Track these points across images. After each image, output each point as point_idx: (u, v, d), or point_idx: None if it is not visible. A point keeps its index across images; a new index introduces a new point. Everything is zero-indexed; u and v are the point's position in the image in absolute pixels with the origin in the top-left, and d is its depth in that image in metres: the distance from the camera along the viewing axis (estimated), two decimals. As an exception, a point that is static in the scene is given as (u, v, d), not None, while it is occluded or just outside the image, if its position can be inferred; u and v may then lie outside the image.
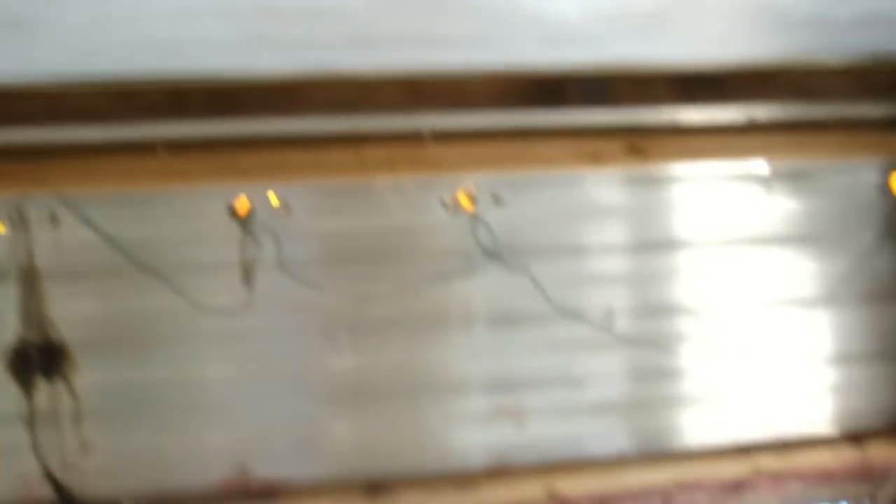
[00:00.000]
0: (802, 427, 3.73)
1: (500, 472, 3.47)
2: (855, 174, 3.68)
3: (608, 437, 3.57)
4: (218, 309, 3.14)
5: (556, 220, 3.42)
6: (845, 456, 3.71)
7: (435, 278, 3.31)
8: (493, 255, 3.31)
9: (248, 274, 3.16)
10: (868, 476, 3.74)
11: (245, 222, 3.15)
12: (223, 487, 3.33)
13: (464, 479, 3.43)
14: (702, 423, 3.62)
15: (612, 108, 2.96)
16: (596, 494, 3.49)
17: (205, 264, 3.16)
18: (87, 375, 3.18)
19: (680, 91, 2.97)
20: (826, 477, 3.70)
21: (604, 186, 3.41)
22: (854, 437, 3.75)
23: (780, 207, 3.59)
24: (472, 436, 3.47)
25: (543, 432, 3.51)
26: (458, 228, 3.30)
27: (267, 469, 3.35)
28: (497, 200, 3.30)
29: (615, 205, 3.46)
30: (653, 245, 3.53)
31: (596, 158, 3.19)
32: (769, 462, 3.63)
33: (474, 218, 3.27)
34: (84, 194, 3.04)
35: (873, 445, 3.74)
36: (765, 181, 3.54)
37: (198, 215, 3.15)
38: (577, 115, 3.09)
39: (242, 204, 3.13)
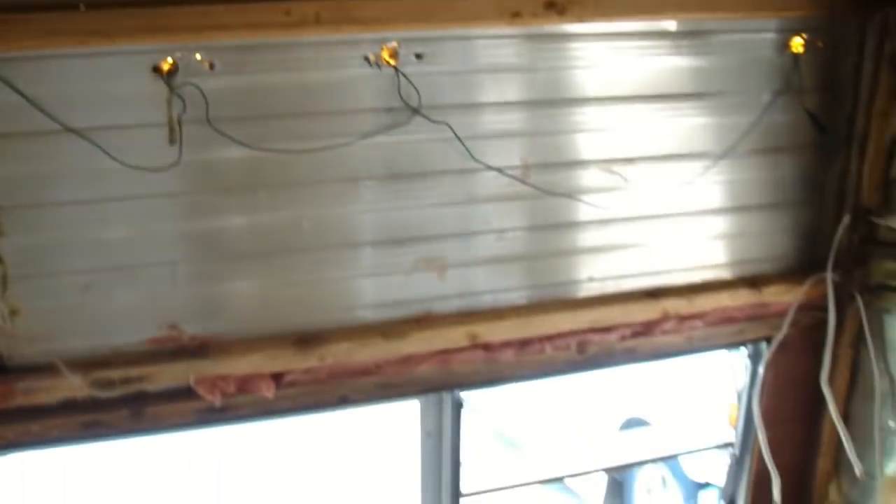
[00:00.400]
0: (705, 273, 4.94)
1: (424, 320, 4.38)
2: (757, 34, 4.65)
3: (526, 285, 4.57)
4: (143, 168, 3.76)
5: (475, 77, 4.21)
6: (744, 299, 4.91)
7: (359, 133, 4.05)
8: (415, 110, 4.06)
9: (173, 132, 3.77)
10: (764, 316, 4.98)
11: (169, 80, 3.74)
12: (156, 345, 4.07)
13: (391, 328, 4.34)
14: (614, 271, 4.68)
15: None
16: (515, 339, 4.48)
17: (129, 124, 3.75)
18: (12, 240, 3.76)
19: None
20: (727, 318, 4.90)
21: (522, 43, 4.24)
22: (752, 281, 4.95)
23: (684, 64, 4.57)
24: (396, 286, 4.34)
25: (465, 282, 4.44)
26: (382, 84, 4.06)
27: (197, 326, 4.10)
28: (419, 57, 4.20)
29: (532, 61, 4.31)
30: (566, 101, 4.39)
31: (516, 16, 4.00)
32: (676, 305, 4.79)
33: (397, 74, 4.03)
34: (4, 54, 3.50)
35: (769, 289, 4.94)
36: (672, 38, 4.61)
37: (122, 74, 3.70)
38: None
39: (166, 62, 3.72)
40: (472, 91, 4.25)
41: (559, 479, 5.64)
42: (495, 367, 4.55)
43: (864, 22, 4.73)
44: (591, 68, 4.43)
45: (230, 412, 4.22)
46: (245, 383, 4.16)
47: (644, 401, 8.06)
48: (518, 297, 4.58)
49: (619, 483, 8.99)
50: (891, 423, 4.96)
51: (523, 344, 4.51)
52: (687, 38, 4.56)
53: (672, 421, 6.35)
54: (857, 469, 4.90)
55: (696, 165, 4.69)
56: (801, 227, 5.07)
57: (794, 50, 4.68)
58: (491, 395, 4.78)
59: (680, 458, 7.94)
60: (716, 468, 7.16)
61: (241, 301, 4.19)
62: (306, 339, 4.23)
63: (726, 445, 5.48)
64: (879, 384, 4.95)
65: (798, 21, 4.68)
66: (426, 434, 4.73)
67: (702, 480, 7.86)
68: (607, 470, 6.37)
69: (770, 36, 4.71)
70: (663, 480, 8.45)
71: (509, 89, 4.32)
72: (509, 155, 4.35)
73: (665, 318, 4.76)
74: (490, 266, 4.50)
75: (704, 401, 6.99)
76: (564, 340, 4.59)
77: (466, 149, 4.20)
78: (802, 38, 4.67)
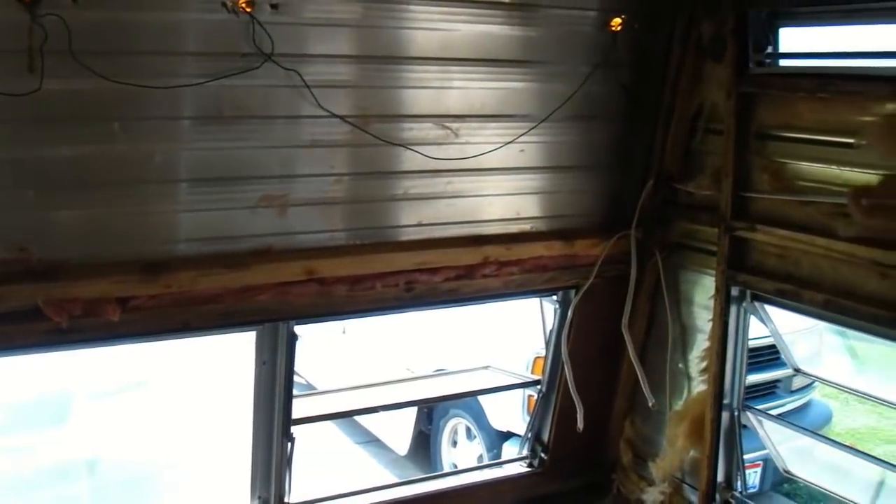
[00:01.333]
0: (523, 225, 5.35)
1: (265, 253, 4.58)
2: (581, 11, 5.04)
3: (360, 226, 4.84)
4: (3, 93, 3.79)
5: (325, 30, 4.44)
6: (557, 249, 5.35)
7: (212, 74, 4.19)
8: (268, 56, 4.22)
9: (33, 61, 3.81)
10: (574, 266, 5.44)
11: (32, 9, 3.76)
12: (4, 266, 4.07)
13: (233, 260, 4.51)
14: (441, 218, 5.01)
15: None
16: (348, 275, 4.76)
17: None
18: None
19: None
20: (541, 266, 5.33)
21: (370, 2, 4.48)
22: (564, 234, 5.38)
23: (514, 33, 4.90)
24: (240, 221, 4.52)
25: (304, 220, 4.68)
26: (237, 29, 4.20)
27: (46, 250, 4.15)
28: (275, 7, 4.31)
29: (378, 19, 4.54)
30: (407, 58, 4.69)
31: None
32: (496, 252, 5.17)
33: (252, 21, 4.18)
34: None
35: (579, 242, 5.39)
36: (504, 9, 4.95)
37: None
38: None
39: (29, -10, 3.80)
40: (322, 43, 4.47)
41: (374, 410, 5.89)
42: (329, 301, 4.83)
43: (675, 9, 5.22)
44: (430, 30, 4.73)
45: (77, 334, 4.32)
46: (92, 306, 4.25)
47: (457, 349, 8.37)
48: (353, 237, 4.85)
49: (426, 435, 9.40)
50: (680, 366, 5.49)
51: (356, 280, 4.80)
52: (517, 9, 4.90)
53: (483, 362, 6.75)
54: (650, 401, 5.42)
55: (519, 126, 5.05)
56: (611, 189, 5.52)
57: (614, 28, 5.07)
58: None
59: (485, 409, 8.35)
60: (517, 418, 7.65)
61: (90, 227, 4.26)
62: (153, 267, 4.35)
63: (535, 383, 5.91)
64: (672, 331, 5.48)
65: (618, 2, 5.10)
66: (261, 362, 4.97)
67: (505, 430, 8.29)
68: (414, 404, 6.69)
69: (593, 14, 5.11)
70: (468, 431, 8.88)
71: (355, 43, 4.58)
72: (351, 104, 4.60)
73: (486, 262, 5.14)
74: (328, 207, 4.75)
75: (516, 345, 7.40)
76: (394, 279, 4.91)
77: (313, 96, 4.42)
78: (621, 18, 5.06)
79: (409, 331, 8.90)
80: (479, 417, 8.59)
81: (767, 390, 8.65)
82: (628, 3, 5.06)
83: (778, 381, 8.58)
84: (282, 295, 4.66)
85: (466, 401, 8.52)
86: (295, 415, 5.09)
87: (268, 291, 4.62)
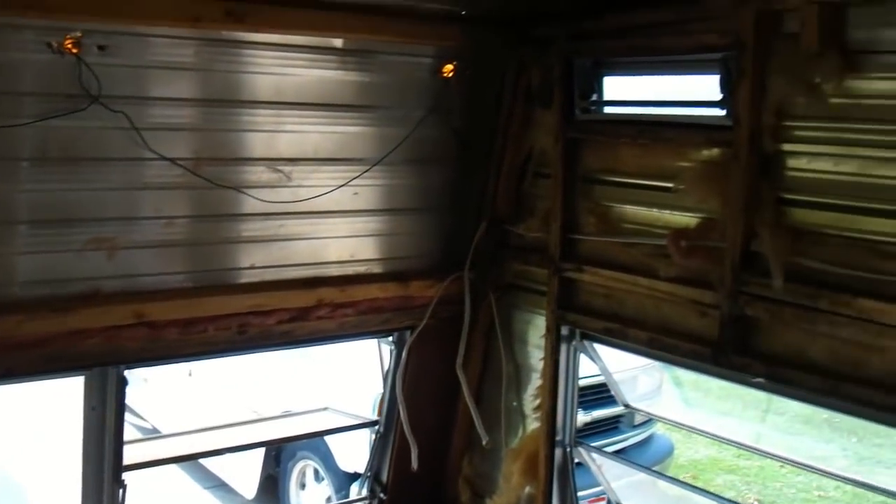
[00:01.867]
0: (358, 267, 5.36)
1: (93, 297, 4.46)
2: (415, 57, 5.12)
3: (192, 269, 4.76)
4: None
5: (156, 72, 4.38)
6: (392, 291, 5.38)
7: (37, 115, 4.08)
8: (95, 98, 4.13)
9: None
10: (409, 307, 5.46)
11: None
12: None
13: (60, 303, 4.38)
14: (275, 260, 4.97)
15: None
16: (180, 319, 4.70)
17: None
18: None
19: None
20: (376, 308, 5.35)
21: (202, 46, 4.46)
22: (399, 275, 5.42)
23: (349, 78, 4.93)
24: (67, 264, 4.39)
25: (134, 263, 4.57)
26: (63, 71, 4.09)
27: None
28: (102, 48, 4.27)
29: (210, 63, 4.52)
30: (240, 102, 4.66)
31: (197, 20, 4.21)
32: (330, 294, 5.18)
33: (79, 62, 4.08)
34: None
35: (414, 283, 5.43)
36: (339, 54, 4.99)
37: None
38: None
39: None
40: (152, 85, 4.41)
41: (216, 453, 5.78)
42: (160, 345, 4.72)
43: (506, 57, 5.31)
44: (264, 74, 4.71)
45: None
46: None
47: (299, 392, 8.31)
48: (184, 280, 4.77)
49: (274, 478, 9.27)
50: (514, 404, 5.56)
51: (187, 323, 4.72)
52: (353, 55, 4.94)
53: (325, 404, 6.71)
54: (484, 439, 5.47)
55: (353, 169, 5.07)
56: (445, 231, 5.58)
57: (446, 74, 5.13)
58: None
59: (333, 451, 8.29)
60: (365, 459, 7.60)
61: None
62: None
63: (373, 424, 5.89)
64: (506, 370, 5.55)
65: (451, 50, 5.17)
66: (90, 408, 4.80)
67: (353, 471, 8.18)
68: (262, 445, 6.59)
69: (427, 60, 5.18)
70: (316, 473, 8.79)
71: (187, 86, 4.53)
72: (183, 147, 4.54)
73: (320, 305, 5.12)
74: (159, 250, 4.66)
75: (356, 386, 7.37)
76: (227, 322, 4.83)
77: (142, 138, 4.34)
78: (453, 64, 5.13)
79: (257, 372, 8.76)
80: (327, 459, 8.52)
81: (611, 425, 8.82)
82: (461, 50, 5.14)
83: (621, 416, 8.76)
84: (111, 339, 4.54)
85: (313, 442, 8.45)
86: (129, 460, 4.91)
87: (96, 335, 4.50)
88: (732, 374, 4.23)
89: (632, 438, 9.03)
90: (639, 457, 8.88)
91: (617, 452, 8.52)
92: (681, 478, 10.58)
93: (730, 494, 9.64)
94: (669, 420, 5.52)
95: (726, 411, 10.41)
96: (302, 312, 5.03)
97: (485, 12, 4.97)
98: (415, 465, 5.47)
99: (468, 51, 5.20)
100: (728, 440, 4.89)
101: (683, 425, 5.24)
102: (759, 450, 4.75)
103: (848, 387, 3.76)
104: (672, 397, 8.35)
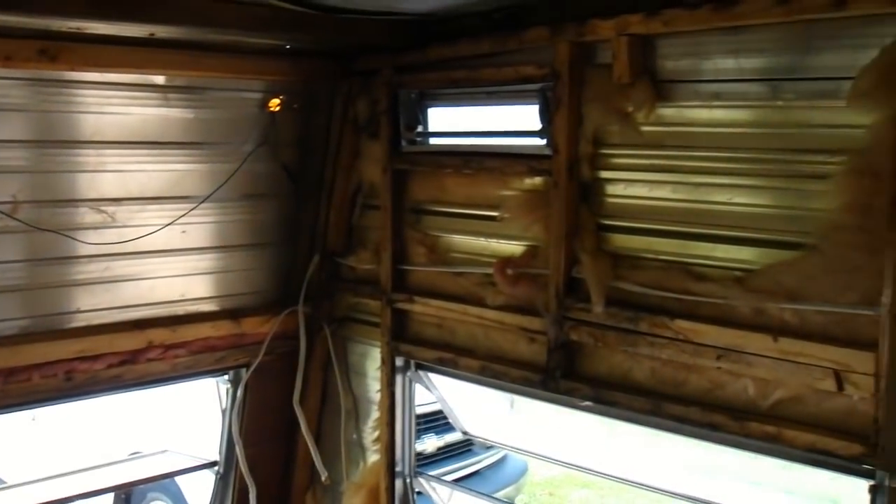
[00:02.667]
0: (190, 306, 5.24)
1: None
2: (242, 92, 5.07)
3: (15, 316, 4.56)
4: None
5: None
6: (225, 329, 5.28)
7: None
8: None
9: None
10: (244, 345, 5.36)
11: None
12: None
13: None
14: (102, 303, 4.84)
15: (27, 14, 3.76)
16: (2, 368, 4.49)
17: None
18: None
19: (91, 4, 3.83)
20: (209, 347, 5.22)
21: (18, 86, 4.32)
22: (233, 313, 5.33)
23: (173, 115, 4.86)
24: None
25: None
26: None
27: None
28: None
29: (26, 103, 4.37)
30: (60, 142, 4.52)
31: (8, 59, 4.09)
32: (161, 335, 5.05)
33: None
34: None
35: (248, 320, 5.35)
36: (161, 91, 4.89)
37: None
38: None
39: None
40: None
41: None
42: (-20, 396, 4.48)
43: (333, 89, 5.28)
44: (84, 113, 4.59)
45: None
46: None
47: (144, 433, 8.08)
48: (7, 328, 4.56)
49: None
50: (354, 437, 5.50)
51: (9, 373, 4.50)
52: (176, 91, 4.85)
53: (166, 447, 6.51)
54: (323, 475, 5.39)
55: (182, 207, 4.95)
56: (279, 266, 5.51)
57: (273, 108, 5.06)
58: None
59: (184, 491, 8.08)
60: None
61: None
62: None
63: (213, 464, 5.74)
64: (345, 402, 5.49)
65: (278, 84, 5.14)
66: None
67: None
68: (100, 493, 6.34)
69: (253, 95, 5.14)
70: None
71: (3, 127, 4.36)
72: (3, 190, 4.36)
73: (150, 347, 4.97)
74: (-20, 298, 4.40)
75: (198, 426, 7.19)
76: (52, 369, 4.64)
77: (-45, 184, 4.11)
78: (280, 98, 5.08)
79: (103, 414, 8.48)
80: (178, 499, 8.29)
81: (465, 448, 8.86)
82: (288, 84, 5.09)
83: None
84: (-73, 393, 4.27)
85: (164, 483, 8.20)
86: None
87: None
88: (561, 399, 4.26)
89: (486, 460, 9.10)
90: (493, 477, 8.97)
91: (472, 475, 8.56)
92: (538, 495, 10.73)
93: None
94: (507, 447, 5.51)
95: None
96: (132, 356, 4.88)
97: (310, 46, 4.93)
98: (253, 505, 5.35)
99: (295, 84, 5.19)
100: (567, 464, 4.90)
101: (521, 451, 5.25)
102: (594, 471, 4.75)
103: (669, 406, 3.84)
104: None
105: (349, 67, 5.12)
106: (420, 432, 8.20)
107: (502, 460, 9.31)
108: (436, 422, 8.11)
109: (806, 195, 3.50)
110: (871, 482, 3.28)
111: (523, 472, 9.51)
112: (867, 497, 3.30)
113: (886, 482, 3.03)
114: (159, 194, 4.90)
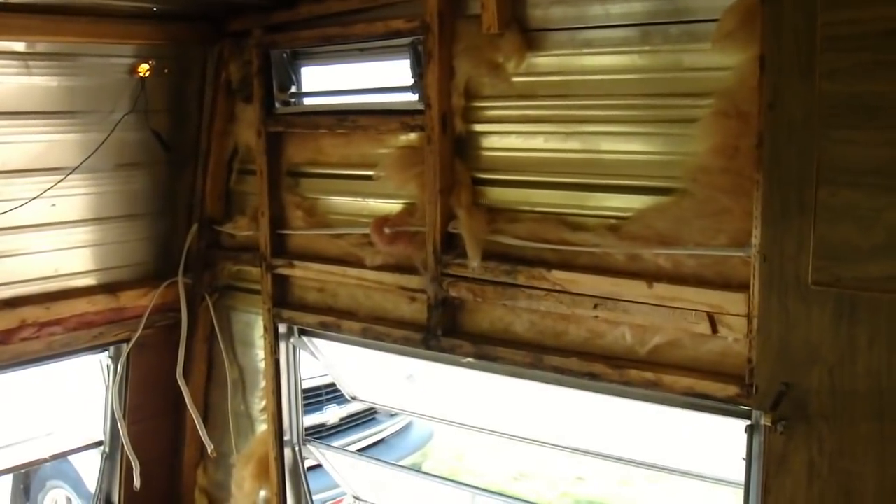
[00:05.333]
0: (64, 282, 5.03)
1: None
2: (109, 58, 4.84)
3: None
4: None
5: None
6: (102, 304, 5.08)
7: None
8: None
9: None
10: (122, 319, 5.17)
11: None
12: None
13: None
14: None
15: None
16: None
17: None
18: None
19: None
20: (86, 323, 5.03)
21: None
22: (110, 287, 5.13)
23: (36, 83, 4.64)
24: None
25: None
26: None
27: None
28: None
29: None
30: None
31: None
32: (34, 313, 4.83)
33: None
34: None
35: (126, 294, 5.15)
36: (21, 58, 4.66)
37: None
38: None
39: None
40: None
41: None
42: None
43: (205, 52, 5.12)
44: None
45: None
46: None
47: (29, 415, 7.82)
48: None
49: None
50: (242, 408, 5.38)
51: None
52: (38, 58, 4.62)
53: (53, 429, 6.31)
54: (209, 448, 5.27)
55: (51, 179, 4.74)
56: (157, 236, 5.33)
57: (142, 74, 4.87)
58: None
59: (83, 475, 7.86)
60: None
61: None
62: None
63: (98, 444, 5.57)
64: (230, 374, 5.37)
65: (147, 48, 4.94)
66: None
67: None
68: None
69: (122, 60, 4.91)
70: (69, 501, 8.32)
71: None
72: None
73: (23, 326, 4.77)
74: None
75: (84, 406, 6.98)
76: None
77: None
78: (150, 63, 4.88)
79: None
80: (78, 485, 8.06)
81: (369, 417, 8.78)
82: (158, 49, 4.92)
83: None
84: None
85: (62, 469, 7.99)
86: None
87: None
88: (444, 357, 4.20)
89: (390, 428, 9.04)
90: (399, 445, 8.91)
91: (377, 443, 8.50)
92: (444, 461, 10.72)
93: (490, 471, 9.79)
94: (400, 409, 5.45)
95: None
96: (4, 335, 4.68)
97: (179, 8, 4.76)
98: (137, 484, 5.20)
99: (165, 48, 5.00)
100: (464, 425, 4.85)
101: (413, 413, 5.19)
102: (491, 431, 4.71)
103: (549, 358, 3.82)
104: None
105: (220, 29, 4.97)
106: (322, 403, 8.13)
107: (407, 428, 9.26)
108: (338, 392, 7.99)
109: (677, 140, 3.49)
110: (748, 422, 3.26)
111: (429, 438, 9.49)
112: (744, 437, 3.29)
113: (761, 421, 3.00)
114: (25, 167, 4.67)
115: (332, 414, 8.42)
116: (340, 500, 6.33)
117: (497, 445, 10.78)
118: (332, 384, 7.57)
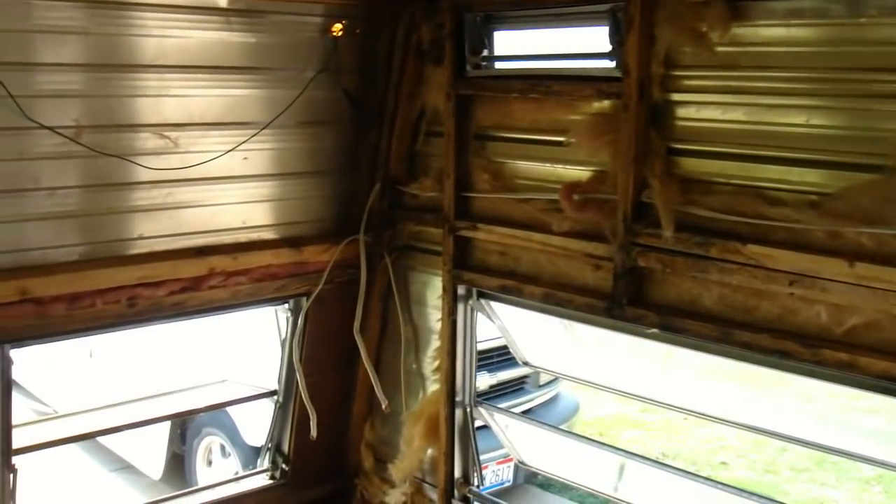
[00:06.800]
0: (251, 234, 5.27)
1: None
2: (303, 16, 5.02)
3: (78, 241, 4.62)
4: None
5: (30, 37, 4.24)
6: (286, 257, 5.30)
7: None
8: None
9: None
10: (304, 273, 5.39)
11: None
12: None
13: None
14: (164, 230, 4.85)
15: None
16: (66, 294, 4.54)
17: None
18: None
19: None
20: (270, 275, 5.25)
21: (79, 8, 4.31)
22: (293, 241, 5.35)
23: (234, 39, 4.85)
24: None
25: (15, 238, 4.42)
26: None
27: None
28: None
29: (86, 27, 4.37)
30: (121, 66, 4.53)
31: None
32: (222, 262, 5.06)
33: None
34: None
35: (308, 248, 5.36)
36: (223, 14, 4.88)
37: None
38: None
39: None
40: (27, 50, 4.26)
41: (111, 431, 5.69)
42: (46, 322, 4.57)
43: (396, 14, 5.26)
44: (146, 36, 4.59)
45: None
46: None
47: (200, 363, 8.19)
48: (69, 254, 4.62)
49: (180, 457, 9.15)
50: (414, 366, 5.55)
51: (74, 298, 4.58)
52: (237, 15, 4.83)
53: (224, 377, 6.62)
54: (384, 404, 5.46)
55: (243, 133, 4.96)
56: (340, 194, 5.53)
57: (335, 33, 5.05)
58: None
59: (239, 426, 8.20)
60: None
61: None
62: None
63: (272, 393, 5.83)
64: (404, 332, 5.54)
65: (339, 8, 5.11)
66: (-25, 391, 4.64)
67: (259, 445, 8.06)
68: (158, 420, 6.45)
69: (314, 19, 5.09)
70: (222, 449, 8.69)
71: (65, 51, 4.38)
72: (63, 115, 4.39)
73: (212, 274, 5.01)
74: (41, 223, 4.52)
75: (256, 355, 7.28)
76: (115, 295, 4.71)
77: (19, 107, 4.17)
78: (342, 23, 5.06)
79: (159, 347, 8.62)
80: (233, 434, 8.45)
81: (517, 387, 8.92)
82: (350, 9, 5.08)
83: (526, 377, 8.85)
84: (-6, 317, 4.33)
85: (218, 418, 8.36)
86: (20, 443, 4.77)
87: (-24, 315, 4.30)
88: (627, 326, 4.26)
89: (538, 399, 9.15)
90: (545, 416, 9.01)
91: (523, 413, 8.62)
92: (588, 434, 10.78)
93: (636, 449, 9.79)
94: (572, 377, 5.54)
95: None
96: (193, 282, 4.94)
97: (374, -31, 4.90)
98: (314, 433, 5.43)
99: (358, 9, 5.16)
100: (630, 394, 4.92)
101: (588, 382, 5.26)
102: (659, 402, 4.77)
103: (738, 333, 3.83)
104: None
105: (413, -9, 5.06)
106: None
107: (553, 400, 9.36)
108: (489, 360, 8.14)
109: (885, 116, 3.45)
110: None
111: (575, 411, 9.57)
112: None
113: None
114: (221, 120, 4.91)
115: (482, 381, 8.57)
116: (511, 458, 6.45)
117: (643, 422, 10.81)
118: (484, 352, 7.73)
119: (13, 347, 4.62)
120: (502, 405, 8.61)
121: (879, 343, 3.50)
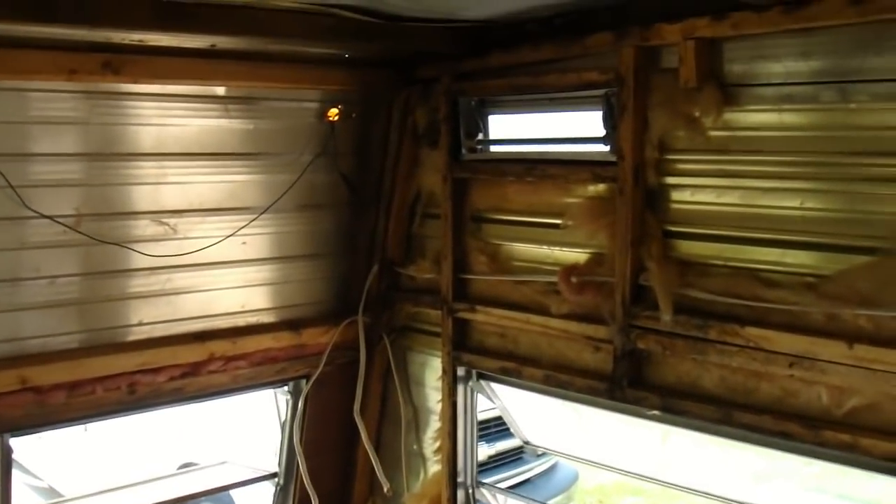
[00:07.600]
0: (250, 317, 5.30)
1: None
2: (300, 102, 5.12)
3: (78, 329, 4.64)
4: None
5: (31, 128, 4.31)
6: (285, 340, 5.32)
7: None
8: None
9: None
10: (303, 356, 5.40)
11: None
12: None
13: None
14: (163, 315, 4.87)
15: (93, 27, 3.85)
16: (66, 381, 4.54)
17: None
18: None
19: (154, 17, 3.86)
20: (269, 358, 5.28)
21: (79, 99, 4.39)
22: (292, 324, 5.38)
23: (233, 126, 4.92)
24: None
25: (15, 326, 4.43)
26: None
27: None
28: None
29: (85, 117, 4.42)
30: (120, 154, 4.60)
31: (73, 73, 4.15)
32: (221, 347, 5.09)
33: None
34: None
35: (308, 331, 5.39)
36: (222, 102, 4.96)
37: None
38: (57, 31, 3.92)
39: None
40: (27, 141, 4.32)
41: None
42: (46, 410, 4.56)
43: (391, 98, 5.34)
44: (144, 125, 4.66)
45: None
46: None
47: (198, 443, 8.14)
48: (70, 341, 4.64)
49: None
50: (415, 447, 5.53)
51: (74, 386, 4.58)
52: (236, 102, 4.92)
53: (224, 458, 6.58)
54: (385, 486, 5.44)
55: (242, 218, 5.02)
56: (338, 276, 5.57)
57: (331, 118, 5.12)
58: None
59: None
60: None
61: None
62: None
63: (273, 476, 5.80)
64: (405, 413, 5.53)
65: (335, 93, 5.20)
66: (-25, 479, 4.61)
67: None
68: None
69: (312, 105, 5.19)
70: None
71: (65, 141, 4.44)
72: (62, 204, 4.43)
73: (211, 359, 5.03)
74: (41, 311, 4.54)
75: (255, 437, 7.24)
76: (115, 382, 4.71)
77: (19, 196, 4.22)
78: (339, 108, 5.14)
79: (156, 424, 8.54)
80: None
81: (515, 456, 8.88)
82: (346, 94, 5.15)
83: (524, 446, 8.78)
84: (-5, 407, 4.33)
85: (218, 497, 8.25)
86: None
87: (-22, 404, 4.30)
88: (628, 408, 4.27)
89: (536, 468, 9.11)
90: (544, 485, 8.97)
91: (522, 483, 8.57)
92: (588, 502, 10.72)
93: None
94: (570, 456, 5.52)
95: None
96: (193, 368, 4.94)
97: (369, 55, 4.99)
98: (307, 520, 5.40)
99: (354, 94, 5.25)
100: (631, 473, 4.90)
101: (583, 459, 5.25)
102: (654, 479, 4.76)
103: (740, 414, 3.84)
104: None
105: (408, 76, 5.16)
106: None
107: (553, 468, 9.33)
108: (487, 430, 8.12)
109: (879, 199, 3.48)
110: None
111: (574, 479, 9.53)
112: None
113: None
114: (219, 206, 4.96)
115: (480, 452, 8.51)
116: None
117: (643, 490, 10.74)
118: (482, 422, 7.69)
119: (13, 436, 4.60)
120: (501, 475, 8.64)
121: (881, 424, 3.51)
